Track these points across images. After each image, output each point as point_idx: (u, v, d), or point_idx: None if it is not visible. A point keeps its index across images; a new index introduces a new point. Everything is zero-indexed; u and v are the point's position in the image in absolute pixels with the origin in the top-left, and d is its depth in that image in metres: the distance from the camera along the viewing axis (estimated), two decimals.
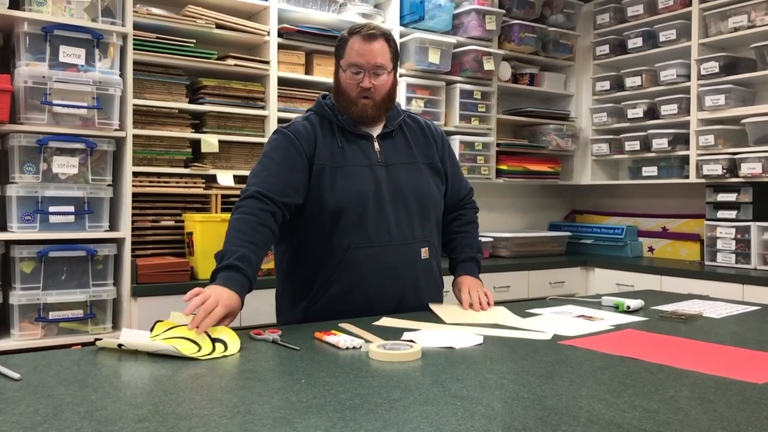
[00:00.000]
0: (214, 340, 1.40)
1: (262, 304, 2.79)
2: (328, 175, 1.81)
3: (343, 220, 1.79)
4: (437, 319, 1.75)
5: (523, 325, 1.69)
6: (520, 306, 1.99)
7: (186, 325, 1.46)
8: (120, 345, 1.34)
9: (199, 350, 1.34)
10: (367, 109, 1.86)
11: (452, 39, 3.70)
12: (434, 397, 1.07)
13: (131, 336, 1.39)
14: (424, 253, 1.89)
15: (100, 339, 1.38)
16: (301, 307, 1.85)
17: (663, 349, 1.45)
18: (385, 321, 1.70)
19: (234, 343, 1.41)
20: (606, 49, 4.17)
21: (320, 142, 1.84)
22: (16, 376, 1.16)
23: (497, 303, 1.94)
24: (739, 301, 2.27)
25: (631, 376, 1.21)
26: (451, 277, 2.04)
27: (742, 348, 1.46)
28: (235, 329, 1.49)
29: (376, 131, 1.91)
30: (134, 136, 2.77)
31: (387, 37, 1.87)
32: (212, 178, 3.05)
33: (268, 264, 2.72)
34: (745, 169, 3.40)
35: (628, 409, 1.02)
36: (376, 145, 1.89)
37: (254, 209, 1.71)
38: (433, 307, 1.87)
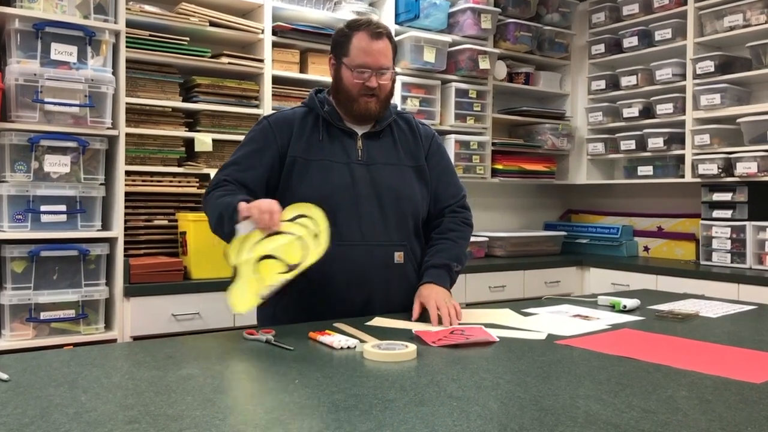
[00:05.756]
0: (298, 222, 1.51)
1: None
2: (300, 168, 1.80)
3: None
4: (430, 321, 1.73)
5: (520, 325, 1.68)
6: (516, 306, 1.98)
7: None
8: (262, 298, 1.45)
9: (306, 252, 1.45)
10: (371, 106, 1.83)
11: (447, 38, 3.69)
12: (430, 397, 1.06)
13: (244, 294, 1.47)
14: (398, 257, 1.83)
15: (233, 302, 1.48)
16: (271, 302, 1.80)
17: (660, 348, 1.44)
18: (380, 321, 1.68)
19: (314, 211, 1.53)
20: (601, 48, 4.17)
21: (298, 134, 1.82)
22: (5, 376, 1.14)
23: (496, 304, 1.92)
24: (735, 300, 2.27)
25: (628, 376, 1.20)
26: None
27: (740, 347, 1.45)
28: (228, 329, 1.48)
29: (363, 129, 1.88)
30: (127, 134, 2.75)
31: (389, 35, 1.85)
32: (206, 177, 3.03)
33: None
34: (741, 168, 3.40)
35: (625, 409, 1.01)
36: (359, 143, 1.85)
37: (227, 189, 1.76)
38: None
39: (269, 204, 1.56)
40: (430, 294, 1.73)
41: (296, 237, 1.51)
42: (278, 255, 1.47)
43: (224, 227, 1.67)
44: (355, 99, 1.82)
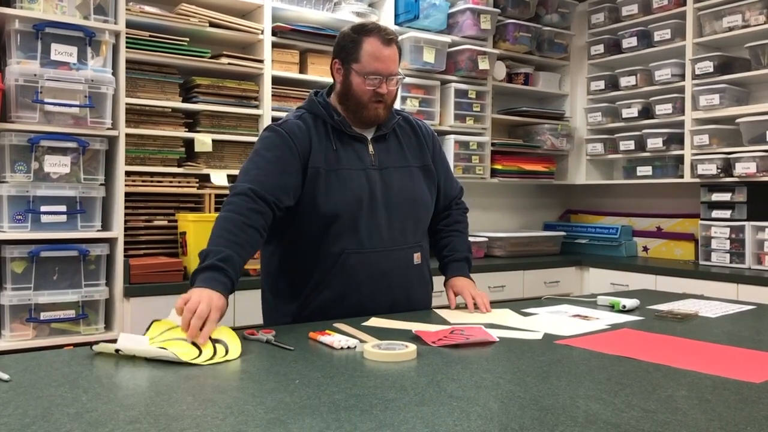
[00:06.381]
0: (214, 342, 1.36)
1: (256, 304, 2.77)
2: (323, 179, 1.76)
3: (337, 225, 1.75)
4: (430, 320, 1.74)
5: (519, 325, 1.68)
6: (516, 306, 1.98)
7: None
8: (117, 350, 1.31)
9: (199, 355, 1.31)
10: (380, 112, 1.82)
11: (447, 38, 3.69)
12: (430, 397, 1.06)
13: (129, 341, 1.36)
14: (417, 258, 1.87)
15: (96, 343, 1.35)
16: (289, 311, 1.81)
17: (659, 348, 1.44)
18: (380, 321, 1.68)
19: (234, 345, 1.37)
20: (600, 48, 4.17)
21: (315, 144, 1.78)
22: (6, 377, 1.14)
23: (495, 304, 1.94)
24: (734, 300, 2.27)
25: (628, 376, 1.20)
26: (441, 277, 2.02)
27: (739, 347, 1.45)
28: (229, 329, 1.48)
29: (371, 133, 1.87)
30: (127, 135, 2.75)
31: (397, 40, 1.84)
32: (206, 178, 3.04)
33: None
34: (740, 168, 3.40)
35: (625, 409, 1.01)
36: (371, 148, 1.85)
37: (243, 208, 1.64)
38: (437, 310, 1.87)
39: (207, 308, 1.40)
40: (463, 285, 1.93)
41: (191, 343, 1.34)
42: (175, 350, 1.29)
43: (201, 259, 1.57)
44: (365, 105, 1.81)
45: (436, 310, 1.86)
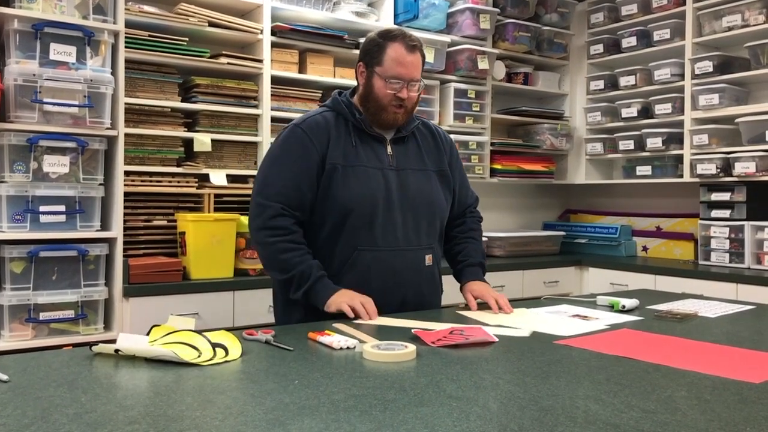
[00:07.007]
0: (214, 346, 1.37)
1: (256, 304, 2.78)
2: (340, 175, 1.80)
3: (351, 221, 1.79)
4: (430, 320, 1.73)
5: (520, 324, 1.68)
6: (516, 306, 1.98)
7: (184, 330, 1.43)
8: (117, 350, 1.32)
9: (199, 356, 1.31)
10: (399, 117, 1.86)
11: (446, 38, 3.69)
12: (429, 397, 1.06)
13: (128, 341, 1.36)
14: (428, 260, 1.91)
15: (96, 344, 1.35)
16: (301, 307, 1.82)
17: (659, 348, 1.44)
18: (379, 321, 1.68)
19: (235, 347, 1.38)
20: (600, 48, 4.17)
21: (333, 140, 1.83)
22: (4, 377, 1.14)
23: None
24: (733, 300, 2.27)
25: (627, 376, 1.20)
26: (449, 278, 2.04)
27: (738, 347, 1.45)
28: (228, 329, 1.48)
29: (390, 134, 1.91)
30: (126, 134, 2.75)
31: (421, 47, 1.87)
32: (205, 178, 3.03)
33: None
34: (739, 168, 3.40)
35: (625, 410, 1.01)
36: (389, 149, 1.89)
37: (292, 235, 1.79)
38: (461, 311, 1.88)
39: (356, 297, 1.71)
40: (482, 289, 1.94)
41: (191, 346, 1.36)
42: (175, 351, 1.30)
43: (292, 290, 1.78)
44: (385, 108, 1.84)
45: (462, 312, 1.86)
